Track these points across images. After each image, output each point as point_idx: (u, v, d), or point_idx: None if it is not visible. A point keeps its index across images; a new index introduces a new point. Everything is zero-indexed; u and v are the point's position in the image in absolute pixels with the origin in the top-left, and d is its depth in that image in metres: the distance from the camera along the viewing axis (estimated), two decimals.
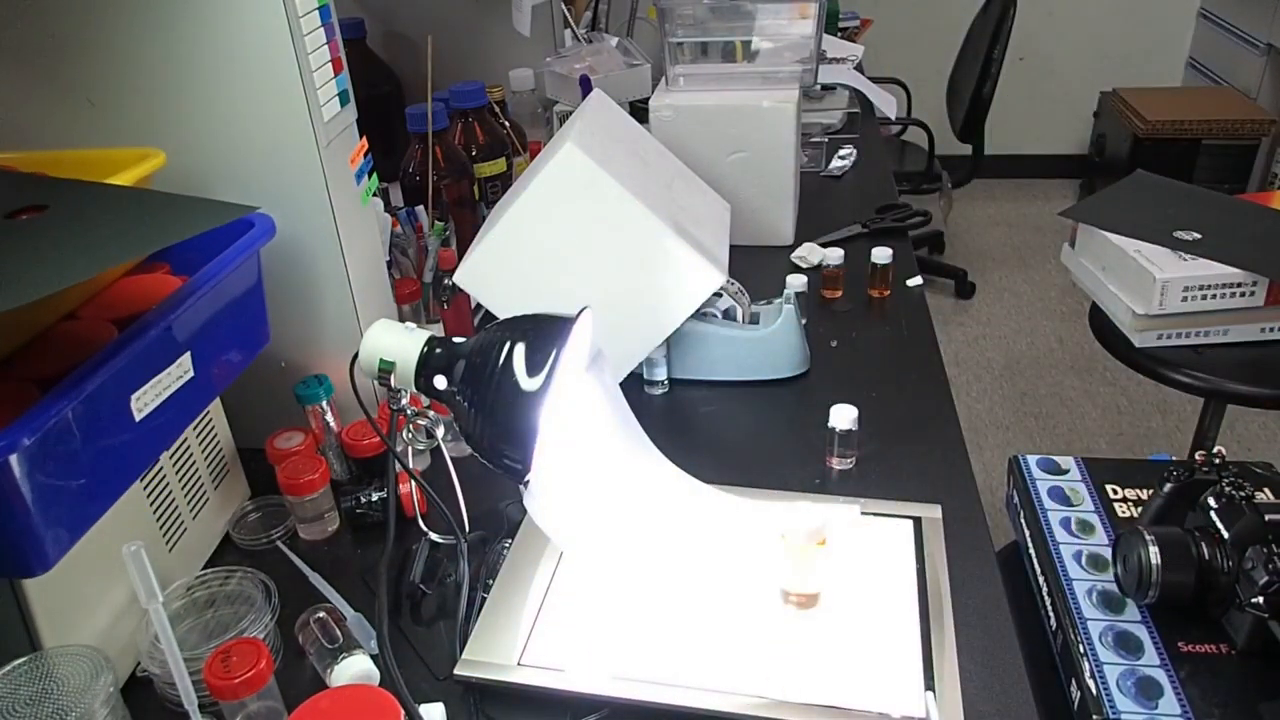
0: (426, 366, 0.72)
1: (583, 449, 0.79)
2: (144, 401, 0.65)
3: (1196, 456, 0.79)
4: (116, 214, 0.65)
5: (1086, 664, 0.69)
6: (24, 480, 0.55)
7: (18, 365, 0.67)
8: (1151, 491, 0.78)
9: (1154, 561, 0.70)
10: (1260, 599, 0.66)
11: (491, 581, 0.79)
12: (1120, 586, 0.74)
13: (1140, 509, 0.83)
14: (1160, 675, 0.68)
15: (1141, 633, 0.72)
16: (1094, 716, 0.66)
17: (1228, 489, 0.72)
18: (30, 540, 0.58)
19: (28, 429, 0.55)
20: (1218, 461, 0.78)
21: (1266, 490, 0.79)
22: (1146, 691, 0.67)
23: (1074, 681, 0.71)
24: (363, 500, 0.88)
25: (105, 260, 0.60)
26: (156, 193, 0.74)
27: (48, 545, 0.59)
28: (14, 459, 0.54)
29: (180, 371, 0.69)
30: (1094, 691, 0.67)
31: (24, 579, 0.62)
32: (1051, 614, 0.77)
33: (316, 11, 0.84)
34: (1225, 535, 0.70)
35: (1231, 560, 0.69)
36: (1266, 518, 0.69)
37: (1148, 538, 0.71)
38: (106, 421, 0.62)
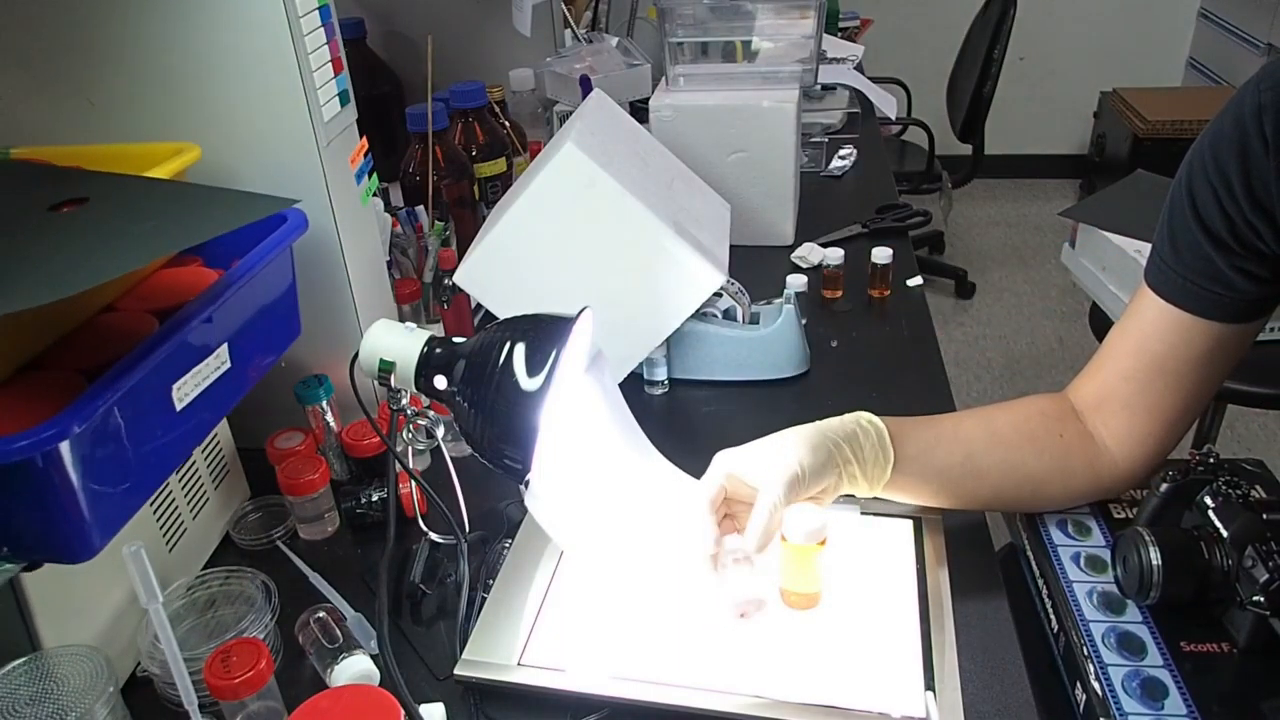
0: (426, 366, 0.72)
1: (583, 449, 0.79)
2: (184, 391, 0.66)
3: (1189, 455, 0.79)
4: (157, 207, 0.66)
5: (1091, 666, 0.69)
6: (73, 467, 0.56)
7: (60, 356, 0.67)
8: (1147, 492, 0.78)
9: (1155, 562, 0.70)
10: (1261, 597, 0.66)
11: (491, 581, 0.79)
12: (1120, 588, 0.74)
13: (1135, 510, 0.83)
14: (1164, 675, 0.68)
15: (1143, 633, 0.71)
16: (1101, 719, 0.66)
17: (1225, 488, 0.72)
18: (78, 527, 0.58)
19: (78, 417, 0.55)
20: (1212, 461, 0.78)
21: (1258, 487, 0.79)
22: (1152, 692, 0.67)
23: (1079, 684, 0.71)
24: (363, 500, 0.88)
25: (151, 252, 0.61)
26: (195, 185, 0.75)
27: (93, 532, 0.59)
28: (64, 446, 0.55)
29: (218, 363, 0.70)
30: (1100, 693, 0.67)
31: (71, 564, 0.62)
32: (1053, 616, 0.77)
33: (316, 11, 0.84)
34: (1224, 534, 0.70)
35: (1231, 559, 0.69)
36: (1265, 516, 0.69)
37: (1148, 538, 0.71)
38: (150, 410, 0.63)
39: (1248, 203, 0.67)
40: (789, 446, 0.74)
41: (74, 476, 0.56)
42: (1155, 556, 0.70)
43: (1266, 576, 0.66)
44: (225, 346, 0.71)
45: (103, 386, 0.58)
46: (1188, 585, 0.70)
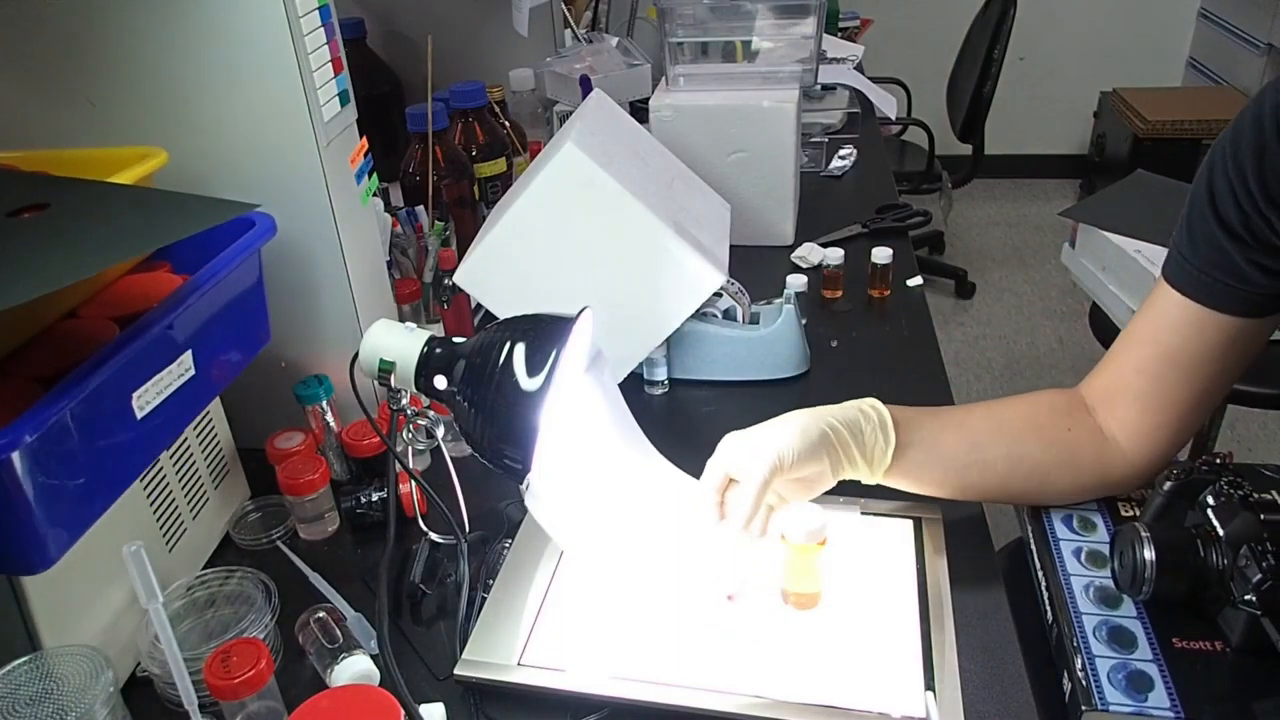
0: (426, 366, 0.72)
1: (583, 449, 0.79)
2: (145, 400, 0.65)
3: (1204, 458, 0.79)
4: (118, 212, 0.65)
5: (1080, 658, 0.69)
6: (26, 477, 0.55)
7: (19, 363, 0.67)
8: (1152, 490, 0.78)
9: (1148, 558, 0.70)
10: (1253, 596, 0.66)
11: (491, 581, 0.79)
12: (1116, 582, 0.75)
13: (1142, 507, 0.83)
14: (1152, 669, 0.68)
15: (1136, 628, 0.72)
16: (1083, 707, 0.67)
17: (1227, 488, 0.73)
18: (32, 538, 0.57)
19: (30, 426, 0.55)
20: (1217, 461, 0.78)
21: (1274, 493, 0.79)
22: (1137, 685, 0.67)
23: (1066, 674, 0.71)
24: (363, 500, 0.88)
25: (106, 258, 0.60)
26: (157, 191, 0.74)
27: (49, 543, 0.59)
28: (16, 456, 0.54)
29: (181, 370, 0.69)
30: (1084, 683, 0.68)
31: (25, 576, 0.62)
32: (1049, 608, 0.77)
33: (316, 11, 0.84)
34: (1221, 533, 0.70)
35: (1226, 558, 0.69)
36: (1263, 517, 0.69)
37: (1144, 535, 0.71)
38: (108, 419, 0.62)
39: (1262, 198, 0.69)
40: (779, 431, 0.75)
41: (27, 487, 0.55)
42: (1149, 553, 0.70)
43: (1259, 576, 0.66)
44: (189, 353, 0.70)
45: (58, 395, 0.57)
46: (1181, 583, 0.71)
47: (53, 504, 0.58)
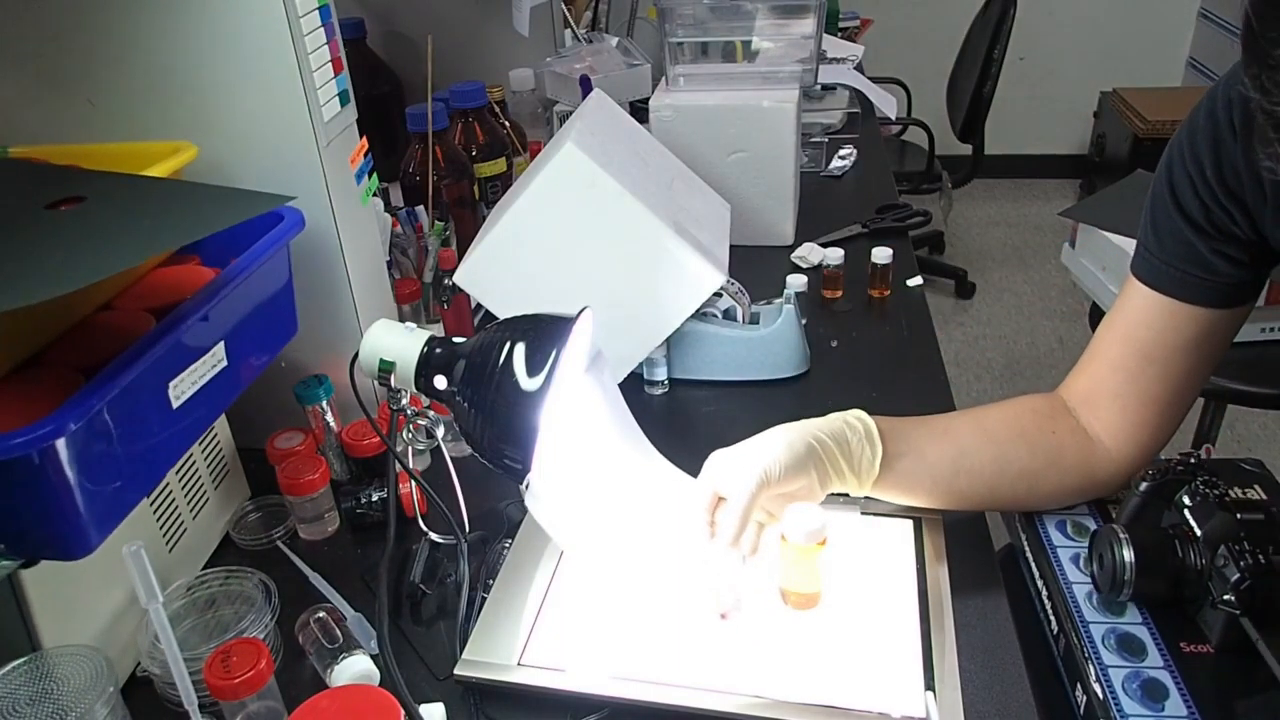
0: (426, 366, 0.72)
1: (583, 449, 0.79)
2: (181, 389, 0.66)
3: (1179, 455, 0.79)
4: (154, 205, 0.66)
5: (1091, 668, 0.69)
6: (70, 464, 0.56)
7: (58, 354, 0.68)
8: (1128, 491, 0.78)
9: (1127, 560, 0.70)
10: (1231, 596, 0.66)
11: (491, 581, 0.79)
12: (1095, 584, 0.75)
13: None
14: (1164, 676, 0.68)
15: (1143, 634, 0.71)
16: None
17: (1202, 487, 0.73)
18: (75, 524, 0.59)
19: (74, 414, 0.56)
20: (1193, 461, 0.78)
21: (1256, 487, 0.78)
22: (1152, 694, 0.67)
23: (1079, 685, 0.71)
24: (363, 500, 0.88)
25: (146, 250, 0.61)
26: (191, 183, 0.75)
27: (90, 529, 0.60)
28: (61, 443, 0.55)
29: (215, 360, 0.70)
30: (1100, 695, 0.67)
31: (66, 561, 0.62)
32: (1053, 617, 0.77)
33: (316, 11, 0.84)
34: (1198, 533, 0.70)
35: (1204, 558, 0.69)
36: (1239, 516, 0.69)
37: (1122, 536, 0.71)
38: (147, 408, 0.63)
39: (1221, 190, 0.70)
40: (765, 447, 0.75)
41: (70, 473, 0.57)
42: (1128, 554, 0.70)
43: (1237, 576, 0.66)
44: (221, 345, 0.71)
45: (99, 384, 0.58)
46: (1160, 584, 0.71)
47: (94, 490, 0.59)
